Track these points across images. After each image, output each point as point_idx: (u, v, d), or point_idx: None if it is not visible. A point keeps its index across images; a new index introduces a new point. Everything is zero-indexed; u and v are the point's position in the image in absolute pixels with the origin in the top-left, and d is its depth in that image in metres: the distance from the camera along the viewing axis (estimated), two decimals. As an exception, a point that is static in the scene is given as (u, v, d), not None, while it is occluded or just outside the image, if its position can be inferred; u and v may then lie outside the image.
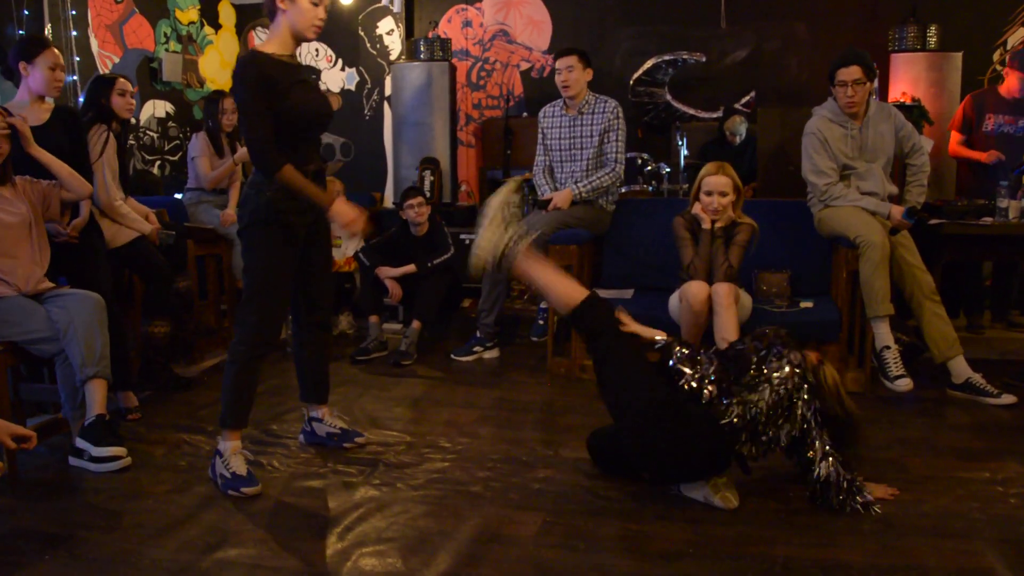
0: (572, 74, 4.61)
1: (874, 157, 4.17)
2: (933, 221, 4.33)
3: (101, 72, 5.67)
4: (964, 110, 5.24)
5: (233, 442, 3.01)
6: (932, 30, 5.80)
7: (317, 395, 3.40)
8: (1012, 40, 6.15)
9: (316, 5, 2.90)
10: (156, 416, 3.76)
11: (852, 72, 4.04)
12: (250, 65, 2.88)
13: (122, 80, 4.16)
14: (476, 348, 4.77)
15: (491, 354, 4.80)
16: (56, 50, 3.69)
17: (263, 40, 2.98)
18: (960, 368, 3.90)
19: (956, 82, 5.79)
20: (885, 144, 4.18)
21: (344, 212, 2.95)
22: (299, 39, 2.96)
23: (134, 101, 4.26)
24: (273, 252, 2.98)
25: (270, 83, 2.86)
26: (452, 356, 4.77)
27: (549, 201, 4.64)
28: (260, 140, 2.88)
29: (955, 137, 5.28)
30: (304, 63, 3.26)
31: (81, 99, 5.03)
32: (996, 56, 6.18)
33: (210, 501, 2.86)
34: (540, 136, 4.85)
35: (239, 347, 3.01)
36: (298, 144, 2.97)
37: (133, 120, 6.18)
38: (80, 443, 3.13)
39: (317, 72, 3.31)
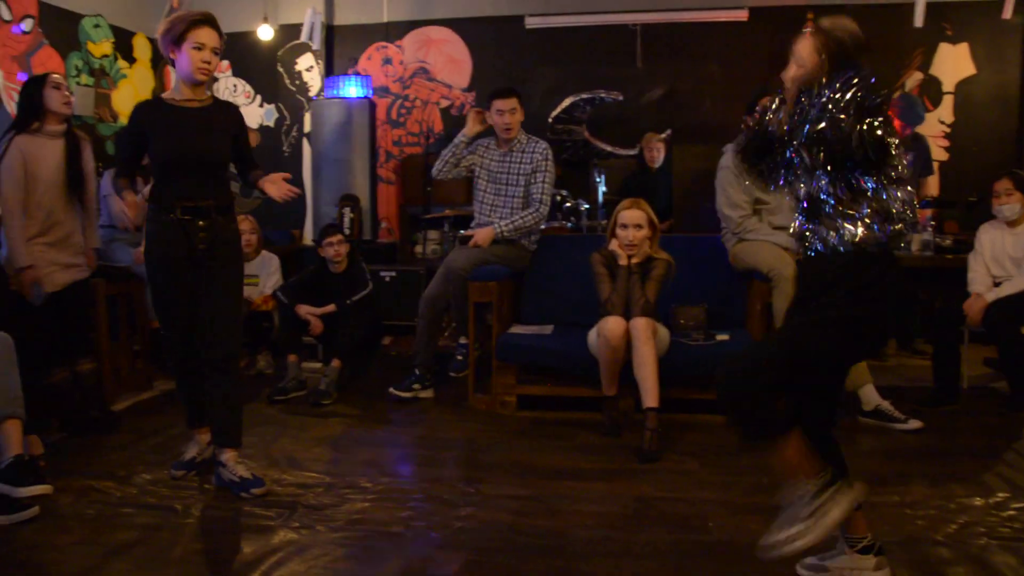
0: (515, 116, 4.69)
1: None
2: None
3: (7, 107, 5.49)
4: None
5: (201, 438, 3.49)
6: (835, 72, 6.04)
7: (216, 437, 3.31)
8: (909, 83, 6.46)
9: (199, 50, 3.11)
10: (62, 462, 3.60)
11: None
12: (134, 109, 3.27)
13: (55, 75, 3.98)
14: (415, 385, 4.68)
15: (426, 394, 4.71)
16: None
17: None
18: (870, 395, 4.04)
19: (858, 121, 6.03)
20: None
21: None
22: (191, 82, 3.18)
23: (71, 95, 4.07)
24: (155, 281, 3.32)
25: (142, 126, 3.20)
26: (391, 390, 4.65)
27: (470, 237, 4.65)
28: (116, 168, 3.34)
29: None
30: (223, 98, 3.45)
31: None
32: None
33: (119, 551, 2.74)
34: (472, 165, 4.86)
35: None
36: (172, 180, 3.22)
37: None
38: None
39: (230, 107, 3.34)
